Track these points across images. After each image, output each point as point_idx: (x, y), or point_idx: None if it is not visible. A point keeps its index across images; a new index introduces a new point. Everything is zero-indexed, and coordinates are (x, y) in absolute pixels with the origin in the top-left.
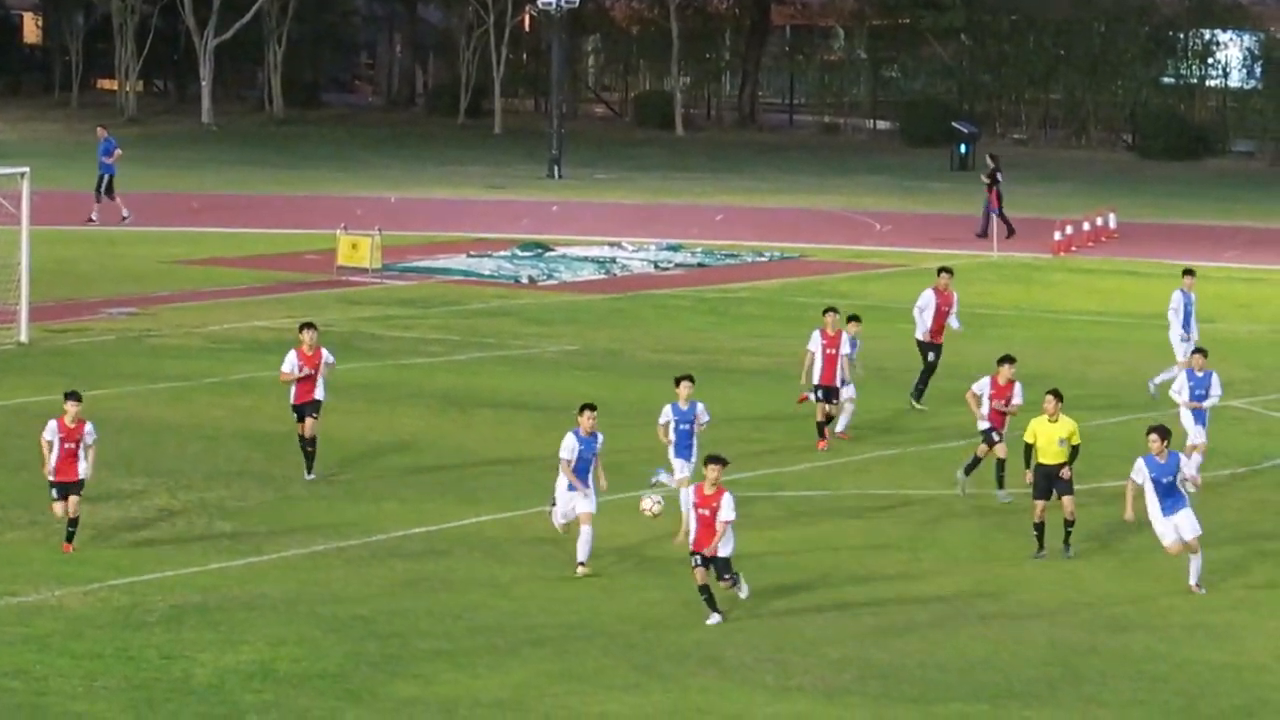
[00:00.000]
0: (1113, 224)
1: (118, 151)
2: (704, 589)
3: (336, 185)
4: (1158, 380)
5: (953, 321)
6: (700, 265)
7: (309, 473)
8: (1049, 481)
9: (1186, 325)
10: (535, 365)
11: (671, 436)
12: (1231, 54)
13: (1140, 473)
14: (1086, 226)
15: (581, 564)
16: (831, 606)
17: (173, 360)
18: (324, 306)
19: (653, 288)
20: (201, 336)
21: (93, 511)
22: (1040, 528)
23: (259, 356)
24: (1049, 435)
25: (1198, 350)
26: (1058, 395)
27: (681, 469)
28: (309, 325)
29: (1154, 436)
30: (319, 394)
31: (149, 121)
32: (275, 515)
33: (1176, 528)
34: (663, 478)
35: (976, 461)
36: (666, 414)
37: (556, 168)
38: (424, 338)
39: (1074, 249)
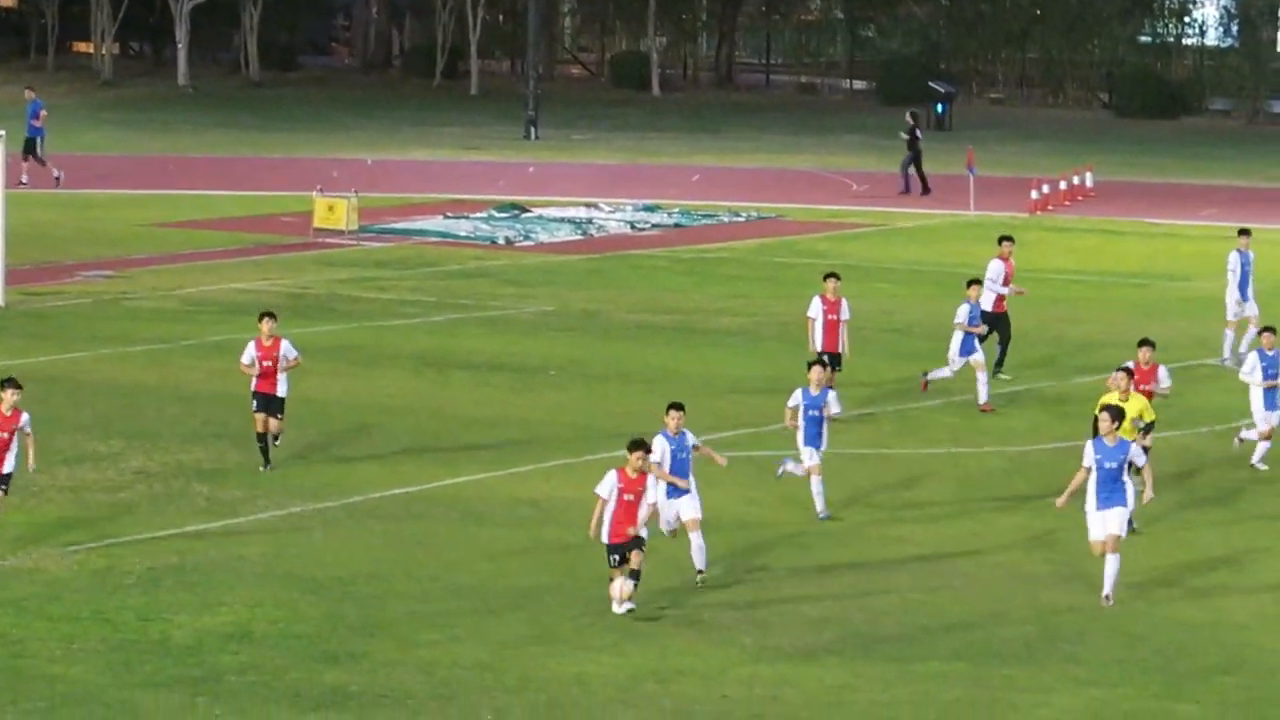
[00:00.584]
0: (1089, 183)
1: (43, 113)
2: (635, 574)
3: (312, 147)
4: (1225, 357)
5: (1009, 288)
6: (677, 225)
7: (265, 465)
8: None
9: (1244, 286)
10: (512, 326)
11: (800, 422)
12: (1208, 12)
13: (1089, 457)
14: (1063, 185)
15: (700, 572)
16: (810, 567)
17: (149, 323)
18: (300, 269)
19: (629, 248)
20: (178, 299)
21: (70, 474)
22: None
23: (235, 319)
24: None
25: (1268, 329)
26: (1129, 373)
27: (810, 457)
28: (269, 315)
29: (1104, 416)
30: (281, 390)
31: (125, 84)
32: (252, 477)
33: (1105, 522)
34: (790, 466)
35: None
36: (796, 398)
37: (533, 129)
38: (401, 299)
39: (1050, 208)
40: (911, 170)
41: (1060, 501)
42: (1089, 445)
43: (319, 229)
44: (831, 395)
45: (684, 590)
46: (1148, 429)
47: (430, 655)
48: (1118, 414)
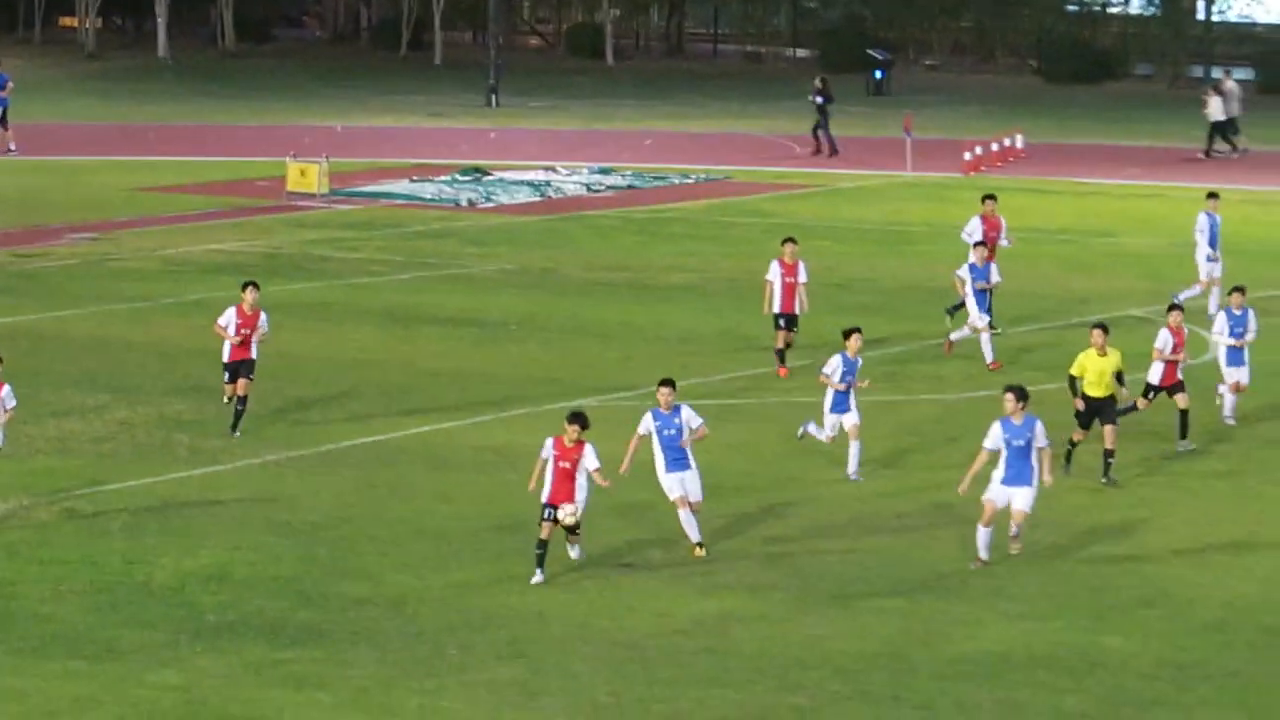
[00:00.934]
0: (1020, 144)
1: (10, 85)
2: (543, 545)
3: (286, 115)
4: (1181, 296)
5: (1003, 241)
6: (630, 187)
7: (235, 430)
8: (1093, 415)
9: (1213, 245)
10: (474, 284)
11: (840, 384)
12: None
13: (994, 438)
14: (995, 147)
15: (699, 544)
16: (756, 510)
17: (132, 282)
18: (274, 230)
19: (585, 209)
20: (160, 260)
21: (58, 426)
22: (1074, 446)
23: (214, 278)
24: (1098, 368)
25: (1237, 289)
26: (1105, 329)
27: (832, 425)
28: (252, 284)
29: (1009, 396)
30: (253, 353)
31: (108, 57)
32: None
33: (1011, 498)
34: (810, 429)
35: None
36: (835, 363)
37: (494, 96)
38: (370, 259)
39: (983, 168)
40: (821, 133)
41: (962, 487)
42: (996, 426)
43: (292, 192)
44: (858, 362)
45: (638, 534)
46: (1119, 378)
47: (398, 594)
48: (1022, 394)
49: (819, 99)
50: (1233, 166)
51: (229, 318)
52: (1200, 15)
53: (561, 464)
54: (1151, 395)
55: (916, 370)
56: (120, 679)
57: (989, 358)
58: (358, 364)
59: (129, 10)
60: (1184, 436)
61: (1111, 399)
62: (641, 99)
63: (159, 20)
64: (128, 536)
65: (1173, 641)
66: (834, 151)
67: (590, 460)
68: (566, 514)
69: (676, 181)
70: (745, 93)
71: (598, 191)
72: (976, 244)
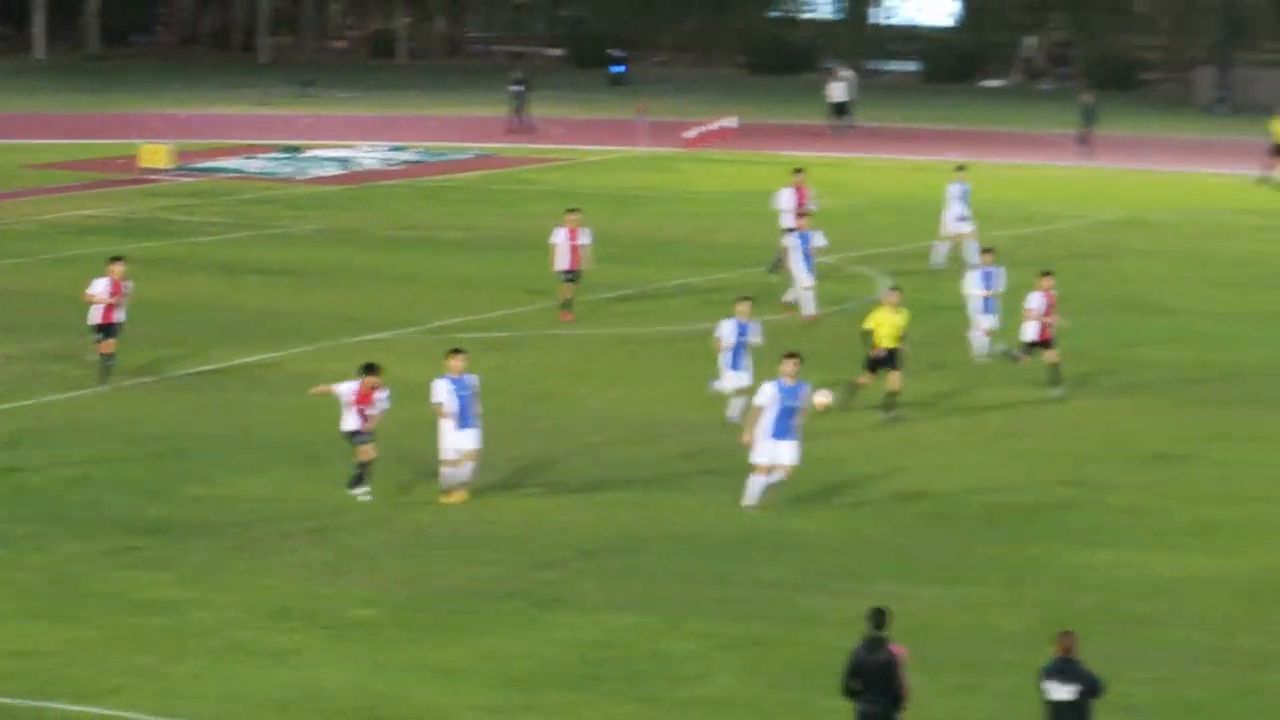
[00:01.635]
0: (733, 124)
1: None
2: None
3: (141, 105)
4: (938, 260)
5: (811, 205)
6: (419, 162)
7: (104, 384)
8: (881, 362)
9: (965, 206)
10: (292, 240)
11: (731, 343)
12: None
13: (768, 395)
14: (713, 127)
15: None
16: (510, 426)
17: (17, 242)
18: (131, 199)
19: (383, 180)
20: (39, 223)
21: None
22: (858, 387)
23: (84, 238)
24: (891, 323)
25: (987, 250)
26: (898, 289)
27: (735, 380)
28: (119, 259)
29: (788, 362)
30: (121, 317)
31: None
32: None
33: (775, 453)
34: (715, 384)
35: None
36: (727, 328)
37: (309, 89)
38: (208, 221)
39: (702, 145)
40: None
41: (747, 438)
42: (769, 386)
43: (145, 168)
44: (757, 327)
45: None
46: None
47: (229, 492)
48: (795, 355)
49: (517, 87)
50: (867, 137)
51: (101, 287)
52: (875, 19)
53: (359, 405)
54: (1027, 352)
55: (651, 306)
56: (2, 564)
57: (809, 311)
58: (196, 307)
59: (12, 20)
60: (1055, 384)
61: (896, 351)
62: (428, 90)
63: (34, 29)
64: (7, 450)
65: (851, 525)
66: (527, 129)
67: (382, 406)
68: (365, 454)
69: (456, 157)
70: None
71: (392, 166)
72: (800, 213)
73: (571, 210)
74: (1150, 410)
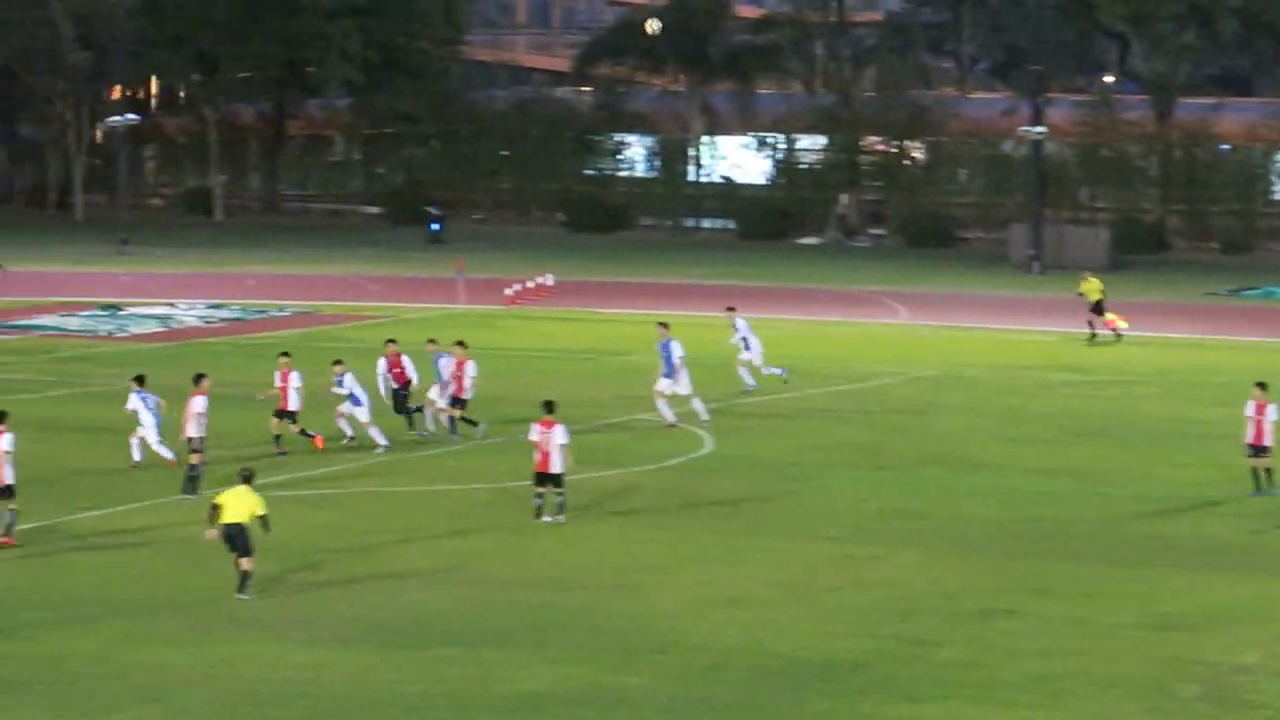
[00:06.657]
0: (551, 282)
1: None
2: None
3: None
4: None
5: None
6: (238, 319)
7: None
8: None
9: (747, 345)
10: (113, 399)
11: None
12: (636, 151)
13: None
14: (531, 284)
15: None
16: (340, 579)
17: None
18: None
19: (202, 337)
20: None
21: None
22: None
23: None
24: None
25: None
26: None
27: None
28: None
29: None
30: None
31: None
32: None
33: None
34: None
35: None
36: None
37: (125, 246)
38: (28, 379)
39: (521, 302)
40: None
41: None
42: None
43: None
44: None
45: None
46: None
47: (56, 650)
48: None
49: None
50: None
51: None
52: (691, 177)
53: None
54: None
55: (473, 462)
56: None
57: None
58: (18, 465)
59: None
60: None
61: None
62: (245, 248)
63: None
64: None
65: (686, 683)
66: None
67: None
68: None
69: (275, 314)
70: (329, 242)
71: (211, 323)
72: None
73: (390, 341)
74: (974, 565)
